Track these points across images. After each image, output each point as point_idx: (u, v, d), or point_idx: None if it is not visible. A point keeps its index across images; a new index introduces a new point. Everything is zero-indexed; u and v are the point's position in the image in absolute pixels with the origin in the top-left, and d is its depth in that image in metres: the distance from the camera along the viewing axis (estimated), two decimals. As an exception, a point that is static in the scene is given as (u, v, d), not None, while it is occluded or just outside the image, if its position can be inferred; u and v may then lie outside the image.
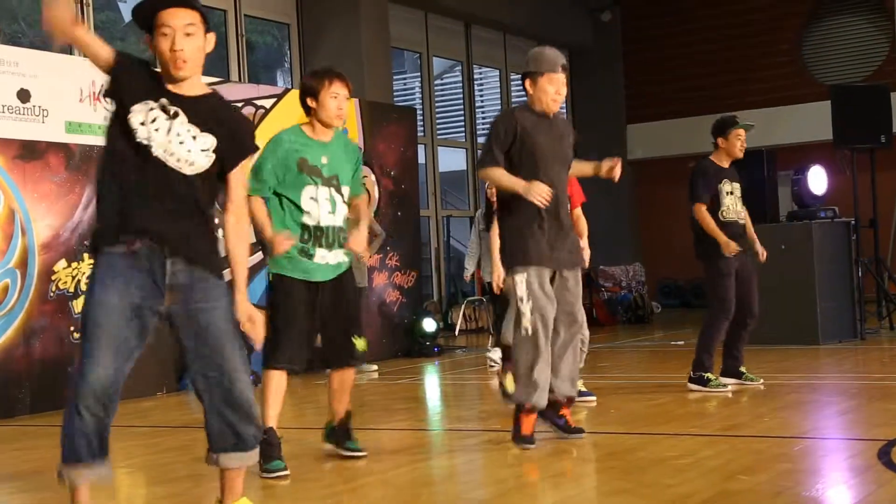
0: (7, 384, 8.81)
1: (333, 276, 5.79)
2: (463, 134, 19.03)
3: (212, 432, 4.19)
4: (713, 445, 6.05)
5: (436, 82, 18.59)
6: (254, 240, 5.58)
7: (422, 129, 17.19)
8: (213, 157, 4.19)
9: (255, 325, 4.25)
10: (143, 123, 4.08)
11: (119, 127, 4.11)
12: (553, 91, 6.15)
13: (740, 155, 8.38)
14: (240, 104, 10.62)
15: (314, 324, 5.81)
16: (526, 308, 6.04)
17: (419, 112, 17.13)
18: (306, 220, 5.70)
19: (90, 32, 4.20)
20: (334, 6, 15.05)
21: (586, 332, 7.27)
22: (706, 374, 8.23)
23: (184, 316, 4.11)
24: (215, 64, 14.14)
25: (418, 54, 18.02)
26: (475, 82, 19.23)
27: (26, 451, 7.16)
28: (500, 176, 6.12)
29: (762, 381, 8.39)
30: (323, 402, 9.02)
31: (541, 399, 6.05)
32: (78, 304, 9.30)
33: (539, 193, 5.88)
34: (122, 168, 4.11)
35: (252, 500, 4.55)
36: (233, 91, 10.72)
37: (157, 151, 4.08)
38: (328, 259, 5.75)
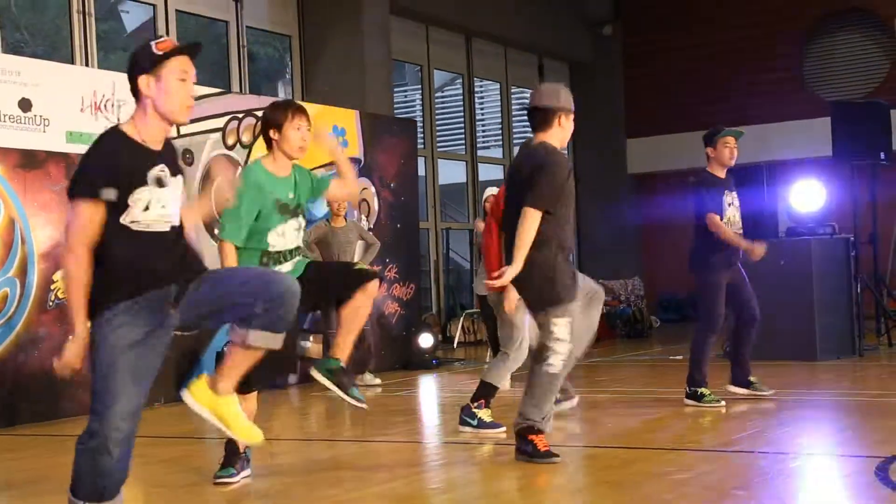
0: (6, 393, 8.80)
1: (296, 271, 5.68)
2: (463, 146, 19.04)
3: (247, 316, 4.21)
4: (711, 461, 6.07)
5: (436, 95, 18.61)
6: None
7: (422, 141, 17.21)
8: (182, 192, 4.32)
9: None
10: (146, 209, 4.14)
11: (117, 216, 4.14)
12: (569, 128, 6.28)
13: (730, 163, 8.37)
14: (240, 115, 10.64)
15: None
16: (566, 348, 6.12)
17: (419, 124, 17.15)
18: (270, 249, 5.66)
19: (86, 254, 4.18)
20: (336, 18, 15.07)
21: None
22: (699, 390, 8.23)
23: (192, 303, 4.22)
24: (217, 74, 14.18)
25: (419, 67, 18.05)
26: (476, 95, 19.25)
27: (24, 461, 7.15)
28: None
29: (774, 391, 8.38)
30: (320, 413, 9.06)
31: None
32: (77, 314, 9.29)
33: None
34: (123, 244, 4.15)
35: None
36: (234, 102, 10.73)
37: (155, 228, 4.18)
38: (285, 268, 5.66)
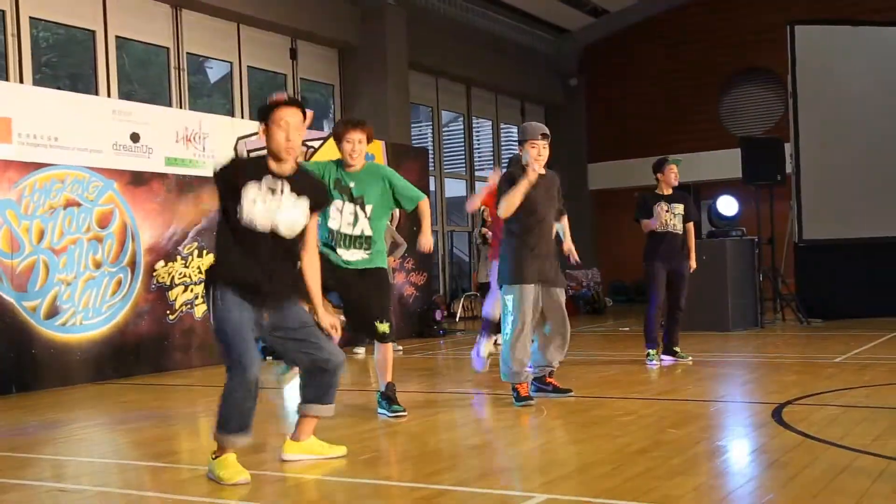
0: (121, 352, 8.85)
1: (358, 269, 5.67)
2: (464, 169, 19.05)
3: (306, 390, 4.44)
4: (650, 406, 6.07)
5: (443, 129, 18.61)
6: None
7: (432, 164, 17.21)
8: (308, 215, 4.26)
9: (337, 330, 4.46)
10: (253, 202, 4.09)
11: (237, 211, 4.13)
12: (535, 153, 6.22)
13: (675, 183, 8.41)
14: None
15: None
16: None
17: (430, 152, 17.16)
18: (331, 226, 5.65)
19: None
20: (367, 71, 15.10)
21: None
22: (649, 351, 8.29)
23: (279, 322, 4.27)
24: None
25: (430, 108, 18.05)
26: (473, 130, 19.25)
27: (134, 403, 7.19)
28: (510, 195, 6.13)
29: (691, 358, 8.42)
30: (353, 370, 9.06)
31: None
32: (172, 294, 9.34)
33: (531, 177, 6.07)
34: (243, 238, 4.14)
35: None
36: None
37: (265, 225, 4.13)
38: (346, 256, 5.66)
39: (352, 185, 5.68)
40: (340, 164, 5.75)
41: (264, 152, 4.26)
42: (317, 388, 4.45)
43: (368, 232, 5.73)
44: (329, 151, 10.76)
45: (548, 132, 6.29)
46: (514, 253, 6.23)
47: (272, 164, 4.20)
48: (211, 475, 4.21)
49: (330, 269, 5.48)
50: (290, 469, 4.46)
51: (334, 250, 5.67)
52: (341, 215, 5.65)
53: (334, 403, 4.55)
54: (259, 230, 4.11)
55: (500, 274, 6.33)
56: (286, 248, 4.22)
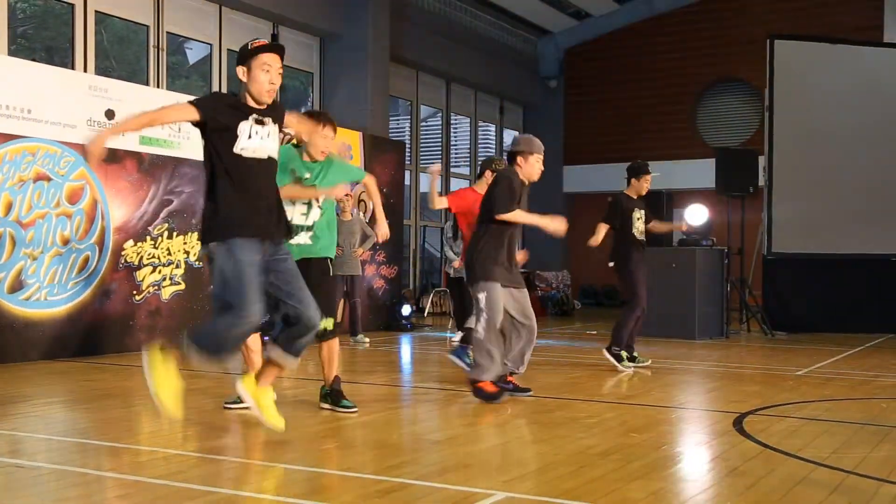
0: (88, 331, 8.77)
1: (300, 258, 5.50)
2: (440, 164, 19.03)
3: (280, 336, 4.52)
4: (613, 410, 6.10)
5: (421, 124, 18.59)
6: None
7: (409, 158, 17.18)
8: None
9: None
10: (249, 137, 4.29)
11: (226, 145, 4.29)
12: (538, 167, 6.44)
13: (643, 193, 8.48)
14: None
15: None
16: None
17: (408, 145, 17.13)
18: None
19: (153, 115, 4.31)
20: (347, 62, 15.03)
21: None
22: (622, 353, 8.33)
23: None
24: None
25: (409, 102, 18.02)
26: (451, 126, 19.24)
27: (97, 382, 7.13)
28: (523, 216, 6.28)
29: (650, 361, 8.48)
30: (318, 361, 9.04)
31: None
32: (140, 274, 9.26)
33: (558, 227, 6.28)
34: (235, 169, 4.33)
35: (262, 429, 4.59)
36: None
37: (257, 155, 4.36)
38: (297, 240, 5.54)
39: (307, 175, 5.61)
40: (299, 153, 5.65)
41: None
42: (287, 337, 4.52)
43: (316, 219, 5.64)
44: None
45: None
46: (493, 253, 6.28)
47: (251, 103, 4.39)
48: (244, 394, 4.49)
49: None
50: (251, 456, 4.43)
51: None
52: (294, 206, 5.51)
53: (298, 359, 4.64)
54: (257, 159, 4.33)
55: (475, 272, 6.32)
56: (273, 171, 4.51)
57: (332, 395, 5.85)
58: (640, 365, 8.39)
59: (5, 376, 7.31)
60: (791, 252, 13.22)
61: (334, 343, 5.78)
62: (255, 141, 4.31)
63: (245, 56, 4.36)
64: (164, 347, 4.33)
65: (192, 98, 4.39)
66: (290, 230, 4.61)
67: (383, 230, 6.00)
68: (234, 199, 4.28)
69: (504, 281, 6.28)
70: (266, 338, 4.91)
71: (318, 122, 5.60)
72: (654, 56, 20.07)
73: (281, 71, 4.40)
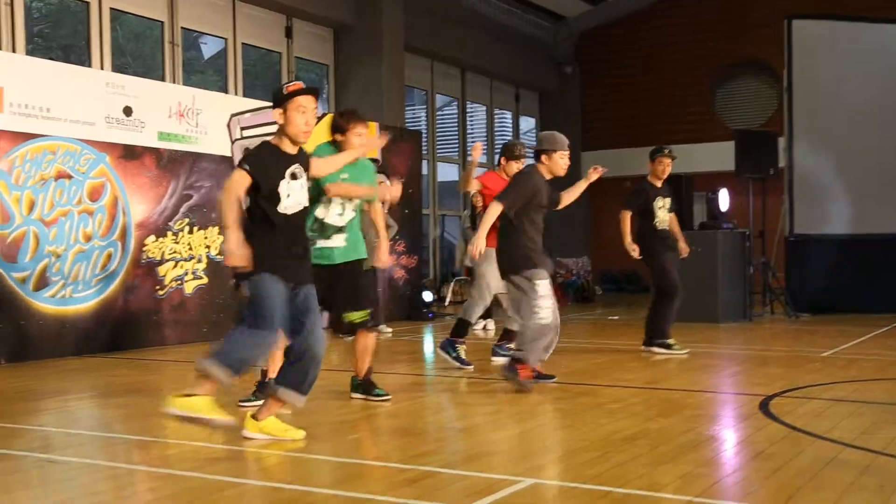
0: (110, 326, 8.84)
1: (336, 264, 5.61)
2: (456, 153, 19.03)
3: (286, 372, 4.55)
4: (638, 395, 6.11)
5: (437, 113, 18.58)
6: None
7: (425, 148, 17.18)
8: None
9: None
10: (288, 196, 4.46)
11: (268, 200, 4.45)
12: (564, 163, 6.52)
13: (663, 176, 8.40)
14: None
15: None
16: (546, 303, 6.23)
17: (424, 135, 17.13)
18: (318, 214, 5.53)
19: (230, 199, 4.34)
20: (362, 52, 15.04)
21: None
22: (667, 341, 8.32)
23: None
24: (273, 90, 14.13)
25: (425, 91, 18.01)
26: (467, 115, 19.22)
27: (121, 377, 7.19)
28: (487, 221, 6.29)
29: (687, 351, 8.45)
30: (342, 350, 9.08)
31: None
32: (162, 270, 9.32)
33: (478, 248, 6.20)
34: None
35: (289, 419, 4.62)
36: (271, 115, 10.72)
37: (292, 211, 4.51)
38: (333, 243, 5.61)
39: (344, 175, 5.61)
40: (332, 152, 5.59)
41: (266, 133, 4.52)
42: (296, 374, 4.52)
43: (350, 219, 5.65)
44: (320, 131, 10.75)
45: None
46: (525, 242, 6.33)
47: (285, 147, 4.54)
48: (180, 413, 4.32)
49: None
50: (278, 447, 4.47)
51: (314, 240, 5.54)
52: (330, 205, 5.56)
53: (306, 397, 4.58)
54: (294, 213, 4.51)
55: (509, 262, 6.34)
56: (305, 219, 4.73)
57: (364, 385, 5.91)
58: (677, 352, 8.31)
59: (33, 373, 7.39)
60: (814, 233, 13.15)
61: (371, 337, 5.83)
62: (293, 199, 4.48)
63: (280, 99, 4.51)
64: (175, 394, 4.38)
65: (242, 162, 4.47)
66: (310, 274, 4.67)
67: (384, 258, 5.94)
68: (270, 245, 4.43)
69: (547, 268, 6.40)
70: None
71: (350, 120, 5.68)
72: (671, 38, 19.95)
73: (316, 111, 4.57)
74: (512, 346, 7.07)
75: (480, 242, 6.18)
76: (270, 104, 4.70)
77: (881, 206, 13.12)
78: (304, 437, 4.59)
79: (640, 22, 20.33)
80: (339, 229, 5.62)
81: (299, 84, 4.58)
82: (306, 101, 4.51)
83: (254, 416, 4.63)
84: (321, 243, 5.57)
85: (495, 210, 6.29)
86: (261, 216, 4.47)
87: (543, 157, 6.48)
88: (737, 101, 19.66)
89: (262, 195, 4.44)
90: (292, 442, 4.54)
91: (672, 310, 8.26)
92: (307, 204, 4.63)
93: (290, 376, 4.53)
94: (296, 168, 4.53)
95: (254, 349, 4.42)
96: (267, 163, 4.47)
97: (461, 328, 7.45)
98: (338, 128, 5.72)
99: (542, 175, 6.50)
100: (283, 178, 4.46)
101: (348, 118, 5.73)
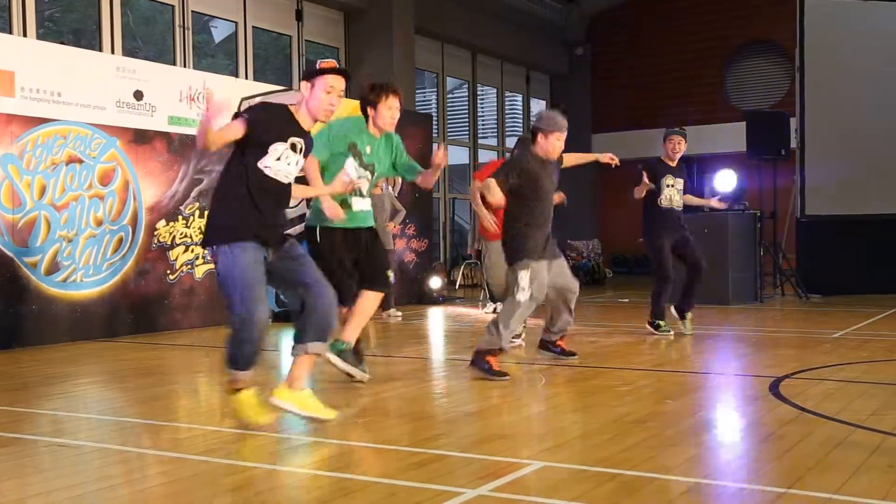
0: (121, 310, 8.86)
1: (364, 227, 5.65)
2: (467, 136, 18.98)
3: (303, 329, 4.46)
4: (647, 377, 6.09)
5: (448, 96, 18.52)
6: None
7: (436, 131, 17.13)
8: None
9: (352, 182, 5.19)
10: (278, 159, 4.34)
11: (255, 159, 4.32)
12: (559, 146, 6.30)
13: (673, 155, 8.32)
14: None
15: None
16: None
17: (434, 118, 17.08)
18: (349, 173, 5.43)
19: (223, 133, 4.25)
20: (373, 35, 14.99)
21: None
22: (657, 321, 8.27)
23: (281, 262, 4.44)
24: (284, 74, 14.11)
25: (435, 74, 17.95)
26: (478, 97, 19.16)
27: (132, 361, 7.22)
28: (478, 197, 6.30)
29: (692, 331, 8.41)
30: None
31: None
32: (173, 254, 9.33)
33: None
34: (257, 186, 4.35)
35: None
36: (294, 97, 10.69)
37: (282, 179, 4.40)
38: (360, 206, 5.62)
39: (368, 149, 5.59)
40: (362, 126, 5.60)
41: (290, 103, 4.50)
42: (312, 327, 4.44)
43: (367, 192, 5.72)
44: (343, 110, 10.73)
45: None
46: (526, 230, 6.22)
47: (300, 118, 4.48)
48: (281, 404, 4.46)
49: (341, 234, 5.53)
50: (288, 431, 4.47)
51: (346, 202, 5.54)
52: (356, 172, 5.52)
53: (328, 342, 4.70)
54: (277, 180, 4.37)
55: (505, 251, 6.33)
56: (288, 195, 4.55)
57: (352, 354, 5.71)
58: (661, 333, 8.28)
59: (44, 357, 7.42)
60: (824, 214, 13.07)
61: (375, 301, 5.70)
62: (282, 164, 4.34)
63: (312, 73, 4.48)
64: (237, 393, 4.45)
65: (244, 113, 4.36)
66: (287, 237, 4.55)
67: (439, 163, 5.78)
68: (247, 207, 4.29)
69: (537, 256, 6.23)
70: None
71: (381, 92, 5.56)
72: (682, 19, 19.82)
73: (342, 94, 4.49)
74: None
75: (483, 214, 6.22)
76: (281, 88, 4.70)
77: (893, 187, 13.03)
78: (314, 422, 4.57)
79: (652, 3, 20.20)
80: (364, 195, 5.65)
81: (333, 62, 4.54)
82: (336, 80, 4.47)
83: (287, 383, 4.53)
84: (353, 202, 5.55)
85: (488, 185, 6.14)
86: (236, 174, 4.31)
87: (539, 136, 6.31)
88: (748, 82, 19.53)
89: (250, 146, 4.27)
90: (305, 424, 4.54)
91: (662, 292, 8.22)
92: (290, 181, 4.45)
93: (308, 331, 4.43)
94: (299, 141, 4.42)
95: (244, 339, 4.25)
96: (273, 120, 4.37)
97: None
98: (368, 101, 5.58)
99: (536, 157, 6.29)
100: (283, 140, 4.34)
101: (379, 91, 5.56)
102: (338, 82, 4.47)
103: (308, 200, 5.92)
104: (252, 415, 4.42)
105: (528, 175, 6.19)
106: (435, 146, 5.87)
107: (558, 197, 6.71)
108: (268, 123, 4.34)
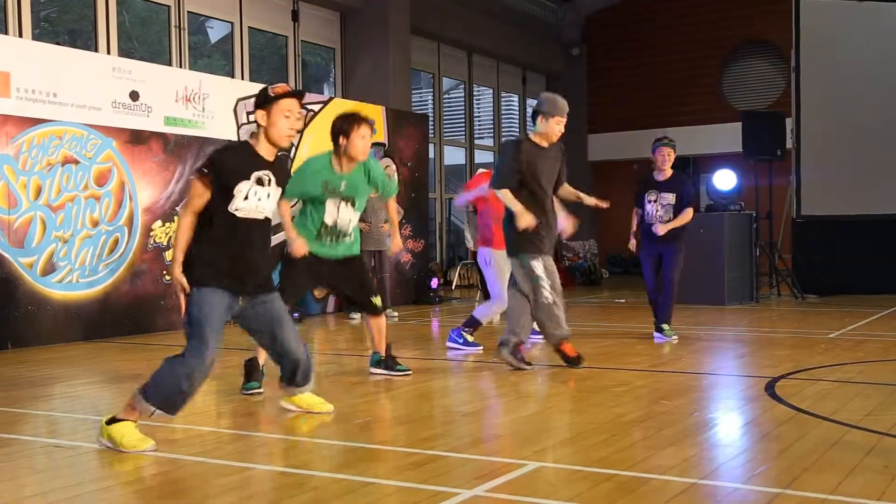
0: (117, 311, 8.85)
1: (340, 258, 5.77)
2: (463, 136, 18.98)
3: (287, 375, 4.63)
4: (644, 378, 6.10)
5: (444, 96, 18.52)
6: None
7: (432, 131, 17.14)
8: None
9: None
10: (246, 198, 4.20)
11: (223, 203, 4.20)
12: (559, 129, 6.35)
13: (665, 167, 8.11)
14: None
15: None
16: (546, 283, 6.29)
17: (431, 118, 17.08)
18: (327, 219, 5.64)
19: (193, 205, 4.19)
20: (369, 36, 14.99)
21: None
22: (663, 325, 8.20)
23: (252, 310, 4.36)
24: (279, 76, 14.10)
25: (431, 74, 17.95)
26: (474, 98, 19.16)
27: (128, 362, 7.21)
28: (508, 197, 6.26)
29: (675, 337, 8.28)
30: (348, 336, 9.07)
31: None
32: (169, 255, 9.33)
33: (528, 223, 6.13)
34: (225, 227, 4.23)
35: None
36: (248, 129, 10.69)
37: (251, 216, 4.25)
38: (334, 252, 5.74)
39: (342, 185, 5.63)
40: (330, 160, 5.63)
41: (247, 136, 4.39)
42: (294, 375, 4.61)
43: (354, 224, 5.81)
44: (327, 116, 10.72)
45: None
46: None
47: (262, 150, 4.30)
48: (106, 443, 4.12)
49: (313, 262, 5.64)
50: (284, 432, 4.47)
51: (317, 239, 5.65)
52: (338, 212, 5.65)
53: (312, 381, 4.74)
54: (252, 219, 4.24)
55: (507, 244, 6.38)
56: (267, 232, 4.39)
57: (387, 362, 6.20)
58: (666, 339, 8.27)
59: (40, 358, 7.41)
60: (820, 214, 13.09)
61: (381, 319, 6.06)
62: (252, 202, 4.20)
63: (265, 101, 4.29)
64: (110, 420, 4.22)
65: (202, 167, 4.22)
66: (272, 286, 4.45)
67: (397, 243, 6.27)
68: (217, 251, 4.20)
69: (543, 250, 6.34)
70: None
71: (353, 122, 5.57)
72: (678, 20, 19.84)
73: (301, 115, 4.35)
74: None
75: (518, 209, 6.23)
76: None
77: (888, 187, 13.05)
78: (311, 423, 4.58)
79: (648, 3, 20.22)
80: (343, 235, 5.72)
81: (286, 87, 4.35)
82: (292, 104, 4.28)
83: (287, 393, 4.82)
84: (327, 243, 5.69)
85: (499, 197, 6.24)
86: (209, 217, 4.19)
87: (540, 119, 6.34)
88: (744, 82, 19.55)
89: (217, 191, 4.17)
90: (301, 425, 4.54)
91: (650, 301, 8.24)
92: (268, 216, 4.33)
93: (293, 377, 4.63)
94: (265, 174, 4.25)
95: (190, 374, 4.08)
96: (232, 161, 4.22)
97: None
98: (340, 130, 5.58)
99: (532, 143, 6.33)
100: (246, 178, 4.19)
101: (351, 120, 5.58)
102: (294, 105, 4.30)
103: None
104: (135, 442, 4.10)
105: (525, 161, 6.27)
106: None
107: (595, 200, 6.72)
108: (227, 165, 4.19)
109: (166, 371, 4.11)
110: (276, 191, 4.33)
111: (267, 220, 4.33)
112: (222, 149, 4.37)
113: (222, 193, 4.17)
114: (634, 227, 8.26)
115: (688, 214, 8.10)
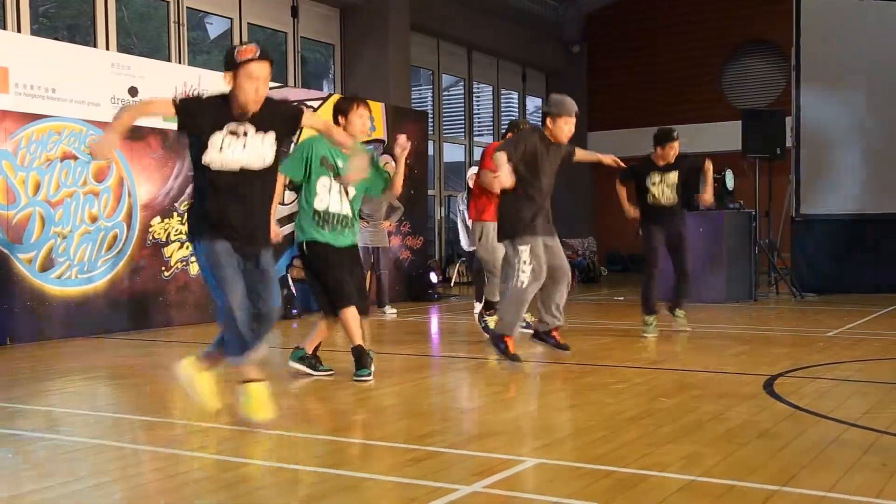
0: (116, 307, 8.86)
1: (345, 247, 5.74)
2: (463, 133, 18.98)
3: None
4: (642, 375, 6.10)
5: (443, 93, 18.52)
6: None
7: (431, 128, 17.14)
8: (275, 146, 4.34)
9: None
10: (220, 150, 4.21)
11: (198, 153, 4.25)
12: (567, 130, 6.43)
13: (671, 160, 8.28)
14: (294, 104, 10.60)
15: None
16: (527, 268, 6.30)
17: (430, 115, 17.09)
18: (317, 204, 5.62)
19: (139, 108, 4.36)
20: (368, 32, 14.99)
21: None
22: (646, 318, 8.22)
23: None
24: (278, 72, 14.10)
25: (431, 71, 17.95)
26: (473, 95, 19.16)
27: (127, 358, 7.22)
28: (502, 160, 6.19)
29: (690, 328, 8.42)
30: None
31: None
32: (168, 251, 9.34)
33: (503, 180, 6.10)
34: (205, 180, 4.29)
35: (294, 401, 4.62)
36: (289, 94, 10.70)
37: (232, 167, 4.24)
38: (338, 242, 5.69)
39: (340, 163, 5.62)
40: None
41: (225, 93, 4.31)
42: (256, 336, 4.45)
43: (349, 212, 5.74)
44: (327, 112, 10.72)
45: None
46: (521, 207, 6.35)
47: (235, 110, 4.25)
48: (184, 379, 4.46)
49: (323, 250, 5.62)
50: (284, 428, 4.48)
51: (320, 231, 5.64)
52: (329, 195, 5.63)
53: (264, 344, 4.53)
54: (228, 170, 4.24)
55: (501, 228, 6.45)
56: (261, 179, 4.34)
57: (311, 360, 6.02)
58: (679, 327, 8.35)
59: (40, 354, 7.42)
60: (819, 213, 13.10)
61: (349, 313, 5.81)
62: (227, 153, 4.19)
63: (231, 65, 4.20)
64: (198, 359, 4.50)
65: (178, 96, 4.27)
66: (268, 241, 4.45)
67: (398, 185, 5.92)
68: (206, 204, 4.25)
69: (537, 232, 6.36)
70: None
71: (352, 102, 5.67)
72: (679, 18, 19.84)
73: (269, 80, 4.24)
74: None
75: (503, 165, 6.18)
76: (277, 85, 4.64)
77: (887, 186, 13.06)
78: (309, 419, 4.59)
79: (649, 1, 20.22)
80: (342, 219, 5.68)
81: (253, 49, 4.20)
82: (259, 68, 4.16)
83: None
84: (330, 233, 5.66)
85: (498, 159, 6.20)
86: (194, 171, 4.30)
87: (548, 120, 6.47)
88: (744, 81, 19.56)
89: (190, 139, 4.23)
90: (300, 422, 4.55)
91: (650, 281, 8.20)
92: (253, 165, 4.26)
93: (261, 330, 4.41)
94: (239, 126, 4.21)
95: (230, 326, 4.22)
96: (203, 109, 4.20)
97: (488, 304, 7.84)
98: (339, 110, 5.73)
99: (544, 137, 6.46)
100: (218, 129, 4.17)
101: (350, 100, 5.74)
102: (262, 69, 4.18)
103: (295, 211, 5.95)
104: (206, 393, 4.46)
105: (532, 152, 6.34)
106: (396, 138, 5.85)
107: (612, 159, 6.93)
108: (198, 111, 4.19)
109: (222, 327, 4.33)
110: (260, 138, 4.26)
111: (254, 172, 4.27)
112: (195, 96, 4.39)
113: (194, 141, 4.23)
114: (626, 199, 8.30)
115: (708, 167, 8.20)
